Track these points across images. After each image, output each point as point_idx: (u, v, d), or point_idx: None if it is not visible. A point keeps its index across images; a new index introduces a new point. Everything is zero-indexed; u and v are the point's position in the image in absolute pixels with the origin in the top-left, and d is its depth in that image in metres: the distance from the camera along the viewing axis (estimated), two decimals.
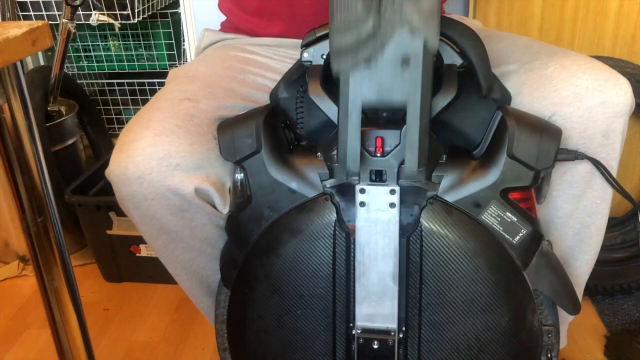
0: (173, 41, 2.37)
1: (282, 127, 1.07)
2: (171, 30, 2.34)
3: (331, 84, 1.05)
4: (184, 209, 1.04)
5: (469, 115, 1.06)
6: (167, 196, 1.01)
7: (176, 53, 2.37)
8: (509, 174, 0.97)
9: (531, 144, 0.96)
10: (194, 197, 1.02)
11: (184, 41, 2.07)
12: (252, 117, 1.04)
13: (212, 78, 1.16)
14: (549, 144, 0.96)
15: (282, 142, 1.06)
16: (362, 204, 0.99)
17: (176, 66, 1.89)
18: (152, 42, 2.38)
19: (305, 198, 1.02)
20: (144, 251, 1.89)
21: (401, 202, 0.99)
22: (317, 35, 1.01)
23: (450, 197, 0.99)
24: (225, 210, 1.08)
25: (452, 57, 0.99)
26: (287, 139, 1.07)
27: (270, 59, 1.27)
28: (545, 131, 0.97)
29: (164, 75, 1.98)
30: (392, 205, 0.98)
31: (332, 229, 1.01)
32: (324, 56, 1.01)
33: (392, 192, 0.98)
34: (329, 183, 1.01)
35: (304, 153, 1.04)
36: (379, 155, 0.98)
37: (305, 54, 1.02)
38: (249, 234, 1.06)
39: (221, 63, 1.22)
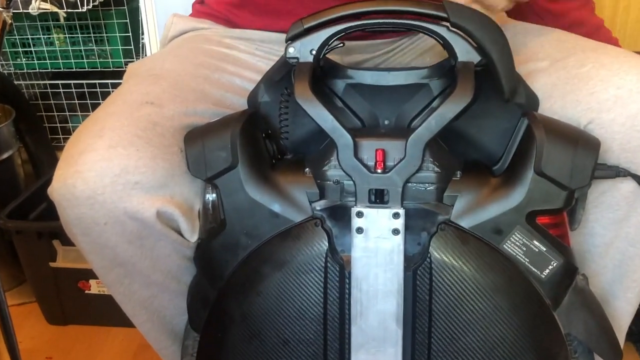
0: (130, 34, 2.35)
1: (262, 138, 1.07)
2: (127, 20, 2.33)
3: (322, 85, 1.05)
4: (143, 236, 1.03)
5: (488, 123, 1.06)
6: (123, 221, 1.00)
7: (133, 48, 2.36)
8: (537, 194, 0.97)
9: (563, 158, 0.96)
10: (156, 221, 1.01)
11: (143, 34, 2.07)
12: (227, 126, 1.03)
13: (180, 77, 1.15)
14: (584, 158, 0.96)
15: (262, 155, 1.05)
16: (360, 230, 0.98)
17: None
18: (105, 35, 2.37)
19: (291, 223, 1.02)
20: (94, 287, 1.88)
21: (406, 228, 0.99)
22: (306, 26, 1.01)
23: (466, 222, 0.98)
24: (193, 237, 1.08)
25: (468, 53, 0.99)
26: (269, 152, 1.07)
27: (252, 56, 1.27)
28: (581, 142, 0.97)
29: (118, 74, 1.97)
30: (395, 231, 0.98)
31: (323, 260, 1.00)
32: (314, 52, 1.01)
33: (396, 215, 0.98)
34: (320, 205, 1.01)
35: (289, 169, 1.04)
36: (379, 171, 0.98)
37: (291, 49, 1.02)
38: (222, 266, 1.05)
39: (192, 58, 1.22)
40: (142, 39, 2.27)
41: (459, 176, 1.00)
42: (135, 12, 2.30)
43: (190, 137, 1.05)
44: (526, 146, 0.99)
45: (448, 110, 0.95)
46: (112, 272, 1.07)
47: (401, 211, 0.98)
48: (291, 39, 1.02)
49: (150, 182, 1.00)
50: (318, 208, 1.01)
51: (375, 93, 1.07)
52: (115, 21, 2.33)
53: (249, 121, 1.05)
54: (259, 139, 1.06)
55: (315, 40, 1.01)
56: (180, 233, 1.06)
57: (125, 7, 2.31)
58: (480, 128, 1.06)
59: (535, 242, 0.98)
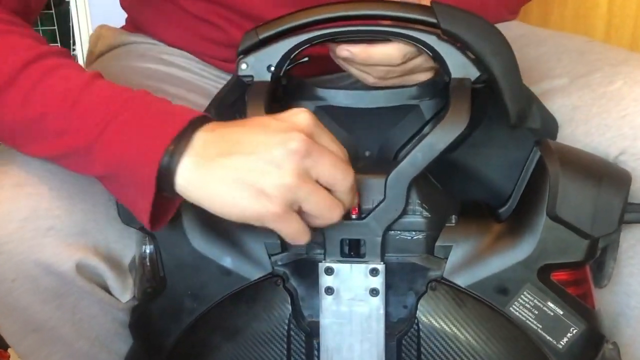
0: (58, 44, 2.33)
1: None
2: (56, 27, 2.31)
3: (284, 109, 1.04)
4: (61, 293, 1.01)
5: (493, 153, 1.05)
6: (35, 275, 0.99)
7: None
8: (551, 244, 0.95)
9: (583, 199, 0.94)
10: (76, 276, 1.00)
11: (74, 44, 2.05)
12: None
13: None
14: (611, 197, 0.94)
15: None
16: (329, 290, 0.97)
17: None
18: None
19: (246, 282, 1.01)
20: (14, 357, 1.87)
21: (389, 287, 0.97)
22: (261, 37, 1.01)
23: (463, 280, 0.97)
24: (124, 297, 1.06)
25: (463, 68, 0.98)
26: None
27: (199, 76, 1.27)
28: (606, 178, 0.95)
29: None
30: (373, 292, 0.96)
31: (286, 327, 0.99)
32: (272, 68, 1.01)
33: (374, 272, 0.96)
34: (281, 259, 1.00)
35: None
36: (353, 216, 0.96)
37: (243, 65, 1.01)
38: (163, 334, 1.04)
39: (122, 80, 1.18)
40: (73, 50, 2.24)
41: (454, 222, 0.98)
42: (64, 18, 2.27)
43: None
44: (537, 183, 0.97)
45: (438, 140, 0.93)
46: (25, 339, 1.05)
47: (380, 267, 0.96)
48: (243, 53, 1.01)
49: (67, 227, 0.99)
50: (279, 263, 1.00)
51: (353, 117, 1.06)
52: (40, 28, 2.30)
53: None
54: None
55: (274, 53, 1.00)
56: (109, 291, 1.05)
57: (53, 11, 2.27)
58: (483, 160, 1.05)
59: (550, 304, 0.96)
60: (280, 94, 1.03)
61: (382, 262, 0.96)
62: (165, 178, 0.85)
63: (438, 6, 0.97)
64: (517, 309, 0.97)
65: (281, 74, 1.02)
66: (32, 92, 0.90)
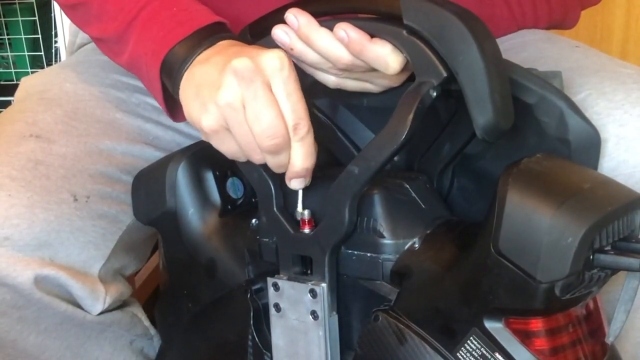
0: (39, 35, 2.21)
1: (216, 176, 1.00)
2: (36, 17, 2.19)
3: None
4: (20, 305, 0.95)
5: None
6: None
7: (44, 55, 2.21)
8: (501, 285, 0.74)
9: (529, 231, 0.72)
10: (33, 289, 0.94)
11: (56, 36, 1.95)
12: (168, 162, 1.00)
13: (83, 103, 1.09)
14: (564, 231, 0.71)
15: (208, 198, 0.99)
16: (277, 307, 0.88)
17: None
18: (6, 37, 2.25)
19: (226, 288, 0.95)
20: None
21: (345, 309, 0.87)
22: (251, 35, 0.94)
23: (410, 313, 0.82)
24: (95, 307, 0.99)
25: (428, 68, 0.80)
26: (224, 195, 1.00)
27: None
28: (569, 205, 0.72)
29: None
30: (314, 315, 0.85)
31: (250, 342, 0.92)
32: None
33: (313, 293, 0.85)
34: (254, 269, 0.93)
35: (239, 217, 0.98)
36: (305, 230, 0.86)
37: None
38: (171, 325, 1.04)
39: (102, 77, 1.15)
40: (55, 42, 2.13)
41: (417, 246, 0.83)
42: (46, 7, 2.15)
43: (138, 176, 1.03)
44: (490, 210, 0.76)
45: (374, 154, 0.80)
46: None
47: (318, 289, 0.84)
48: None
49: (24, 238, 0.93)
50: (252, 273, 0.93)
51: (379, 117, 0.93)
52: (19, 19, 2.20)
53: (194, 157, 1.00)
54: (206, 179, 1.00)
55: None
56: (76, 303, 0.99)
57: (33, 1, 2.16)
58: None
59: (499, 357, 0.76)
60: None
61: (324, 283, 0.85)
62: (169, 76, 0.91)
63: None
64: (465, 357, 0.78)
65: None
66: None
